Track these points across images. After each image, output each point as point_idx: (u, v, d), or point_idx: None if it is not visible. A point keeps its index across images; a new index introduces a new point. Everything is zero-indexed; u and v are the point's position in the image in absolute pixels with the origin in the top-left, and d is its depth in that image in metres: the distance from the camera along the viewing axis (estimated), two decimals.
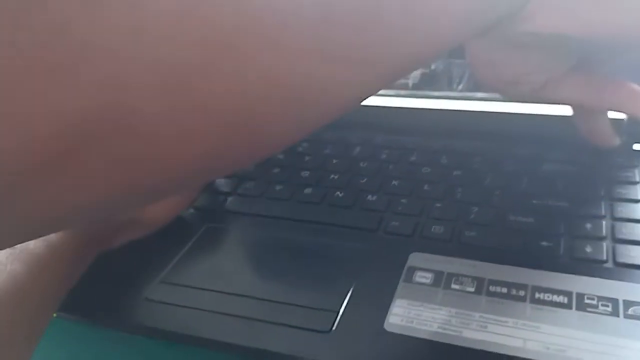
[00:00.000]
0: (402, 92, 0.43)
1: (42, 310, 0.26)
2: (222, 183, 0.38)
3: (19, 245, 0.25)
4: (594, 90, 0.31)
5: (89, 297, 0.30)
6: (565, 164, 0.36)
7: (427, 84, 0.42)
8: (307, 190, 0.36)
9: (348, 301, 0.28)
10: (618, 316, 0.25)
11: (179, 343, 0.28)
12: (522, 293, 0.27)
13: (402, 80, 0.42)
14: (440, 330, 0.25)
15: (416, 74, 0.42)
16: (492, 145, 0.39)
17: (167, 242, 0.33)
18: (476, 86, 0.41)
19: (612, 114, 0.38)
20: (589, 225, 0.31)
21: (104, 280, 0.31)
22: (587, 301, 0.26)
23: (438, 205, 0.34)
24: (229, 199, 0.37)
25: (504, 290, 0.27)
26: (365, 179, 0.37)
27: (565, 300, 0.26)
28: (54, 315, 0.29)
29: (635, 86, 0.31)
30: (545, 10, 0.24)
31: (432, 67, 0.41)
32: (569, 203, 0.33)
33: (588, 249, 0.29)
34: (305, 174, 0.38)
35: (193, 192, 0.34)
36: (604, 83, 0.31)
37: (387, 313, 0.27)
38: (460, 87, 0.41)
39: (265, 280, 0.30)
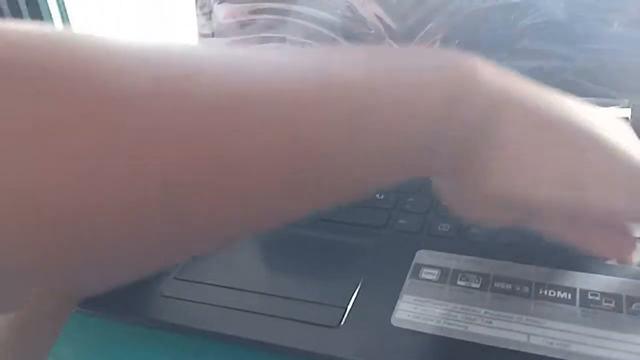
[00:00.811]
0: None
1: (64, 303, 0.26)
2: None
3: None
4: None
5: (107, 293, 0.31)
6: None
7: None
8: None
9: (356, 297, 0.28)
10: (621, 312, 0.26)
11: (192, 337, 0.29)
12: (526, 289, 0.27)
13: None
14: (446, 326, 0.26)
15: None
16: None
17: None
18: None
19: (620, 114, 0.38)
20: None
21: None
22: (590, 297, 0.27)
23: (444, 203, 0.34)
24: None
25: (509, 286, 0.28)
26: None
27: (569, 296, 0.27)
28: (73, 310, 0.30)
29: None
30: (489, 178, 0.22)
31: None
32: None
33: None
34: None
35: None
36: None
37: (394, 308, 0.27)
38: None
39: (276, 277, 0.31)
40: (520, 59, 0.40)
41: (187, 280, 0.31)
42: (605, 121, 0.23)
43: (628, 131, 0.24)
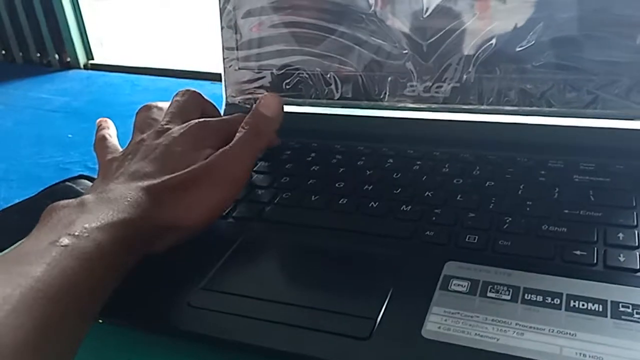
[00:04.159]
0: (434, 105, 0.43)
1: (89, 309, 0.27)
2: (260, 194, 0.39)
3: (70, 243, 0.26)
4: None
5: (132, 302, 0.31)
6: (597, 174, 0.37)
7: (459, 97, 0.43)
8: (342, 201, 0.37)
9: (385, 308, 0.28)
10: None
11: (218, 348, 0.29)
12: (557, 301, 0.27)
13: (434, 94, 0.43)
14: (477, 337, 0.26)
15: (447, 88, 0.43)
16: (524, 156, 0.40)
17: (208, 251, 0.34)
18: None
19: (633, 125, 0.38)
20: (621, 235, 0.31)
21: (146, 286, 0.31)
22: (622, 309, 0.26)
23: (472, 215, 0.34)
24: (267, 208, 0.38)
25: (540, 298, 0.28)
26: (399, 190, 0.38)
27: (600, 308, 0.27)
28: (99, 320, 0.30)
29: None
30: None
31: (463, 80, 0.42)
32: (601, 213, 0.33)
33: (621, 258, 0.30)
34: (340, 184, 0.39)
35: (230, 200, 0.35)
36: None
37: (424, 320, 0.27)
38: (491, 99, 0.42)
39: (304, 288, 0.31)
40: (542, 72, 0.40)
41: (214, 291, 0.31)
42: None
43: None
